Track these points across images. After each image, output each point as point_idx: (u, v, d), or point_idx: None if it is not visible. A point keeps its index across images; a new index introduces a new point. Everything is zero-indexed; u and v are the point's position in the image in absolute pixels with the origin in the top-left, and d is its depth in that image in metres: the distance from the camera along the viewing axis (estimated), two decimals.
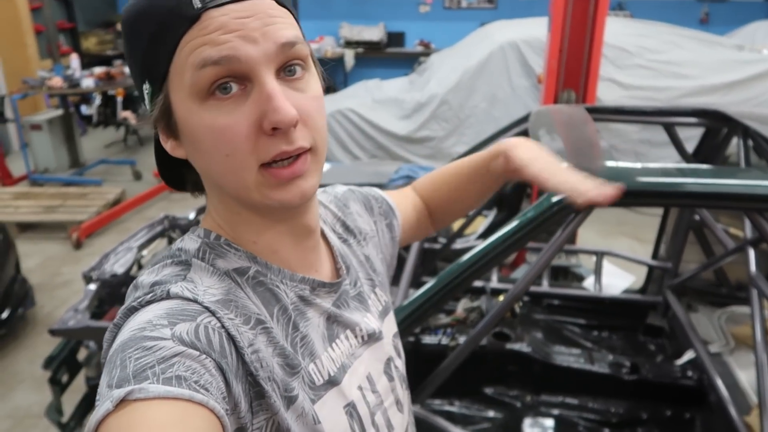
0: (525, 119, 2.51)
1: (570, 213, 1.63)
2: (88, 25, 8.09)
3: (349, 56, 7.69)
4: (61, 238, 4.37)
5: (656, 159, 4.54)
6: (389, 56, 7.87)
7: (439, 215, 1.01)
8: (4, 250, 3.17)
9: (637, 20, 5.42)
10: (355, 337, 0.70)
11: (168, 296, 0.55)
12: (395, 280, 2.10)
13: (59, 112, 5.85)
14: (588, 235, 4.17)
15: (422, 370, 1.74)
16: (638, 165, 1.71)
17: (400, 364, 0.79)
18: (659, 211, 2.79)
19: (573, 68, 3.23)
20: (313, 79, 0.58)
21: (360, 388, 0.68)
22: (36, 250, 4.22)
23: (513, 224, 1.65)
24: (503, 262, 3.35)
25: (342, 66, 7.72)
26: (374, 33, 7.80)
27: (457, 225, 3.18)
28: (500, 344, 2.19)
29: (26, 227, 4.52)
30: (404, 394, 0.78)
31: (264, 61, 0.53)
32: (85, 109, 6.22)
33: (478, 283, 2.43)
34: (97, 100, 6.04)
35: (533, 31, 4.60)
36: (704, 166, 1.74)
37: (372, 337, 0.73)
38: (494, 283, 2.61)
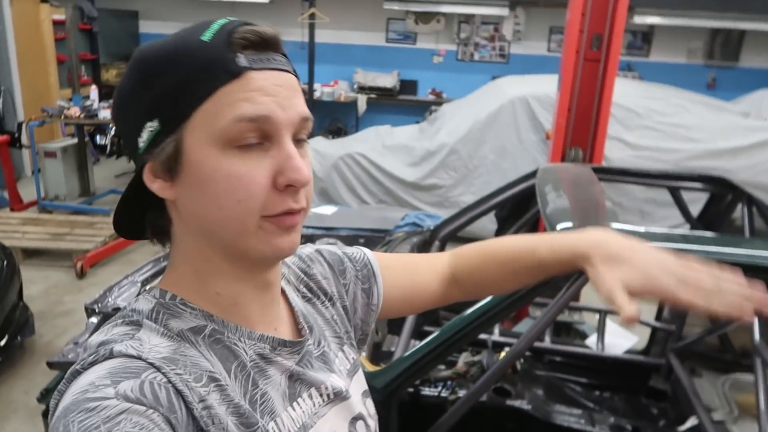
0: (533, 174, 2.55)
1: (575, 271, 1.64)
2: (110, 58, 8.30)
3: (362, 101, 7.84)
4: (66, 267, 4.39)
5: (662, 219, 4.56)
6: (401, 103, 8.02)
7: (473, 290, 0.92)
8: (9, 276, 3.18)
9: (645, 83, 5.55)
10: (320, 395, 0.69)
11: (111, 355, 0.54)
12: (397, 329, 2.09)
13: (74, 140, 5.96)
14: (593, 293, 4.14)
15: (421, 422, 1.72)
16: (642, 229, 1.72)
17: (372, 423, 0.77)
18: None
19: (581, 127, 3.29)
20: (308, 151, 0.63)
21: None
22: (40, 277, 4.23)
23: None
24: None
25: (354, 110, 7.87)
26: (388, 80, 7.97)
27: None
28: (500, 400, 2.17)
29: (32, 253, 4.55)
30: None
31: (288, 126, 0.58)
32: (99, 139, 6.34)
33: (480, 336, 2.42)
34: (112, 130, 6.15)
35: (543, 88, 4.71)
36: (708, 234, 1.75)
37: (338, 396, 0.71)
38: (496, 336, 2.59)
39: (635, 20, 6.58)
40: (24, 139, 5.45)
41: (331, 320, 0.79)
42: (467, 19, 7.79)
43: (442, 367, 2.26)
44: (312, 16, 7.21)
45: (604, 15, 3.15)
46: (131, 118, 0.58)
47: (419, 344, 1.70)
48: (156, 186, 0.59)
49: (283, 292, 0.73)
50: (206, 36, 0.56)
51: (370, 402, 0.79)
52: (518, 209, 3.29)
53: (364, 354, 1.82)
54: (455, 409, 1.71)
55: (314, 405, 0.67)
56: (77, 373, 0.54)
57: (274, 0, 7.83)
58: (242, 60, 0.56)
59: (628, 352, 2.80)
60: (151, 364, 0.53)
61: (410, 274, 0.89)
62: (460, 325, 1.66)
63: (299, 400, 0.66)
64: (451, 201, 5.02)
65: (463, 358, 2.07)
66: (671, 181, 2.34)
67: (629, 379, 2.59)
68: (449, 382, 2.05)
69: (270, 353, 0.64)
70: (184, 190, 0.58)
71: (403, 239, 2.79)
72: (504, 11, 7.24)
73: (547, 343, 2.71)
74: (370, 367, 1.75)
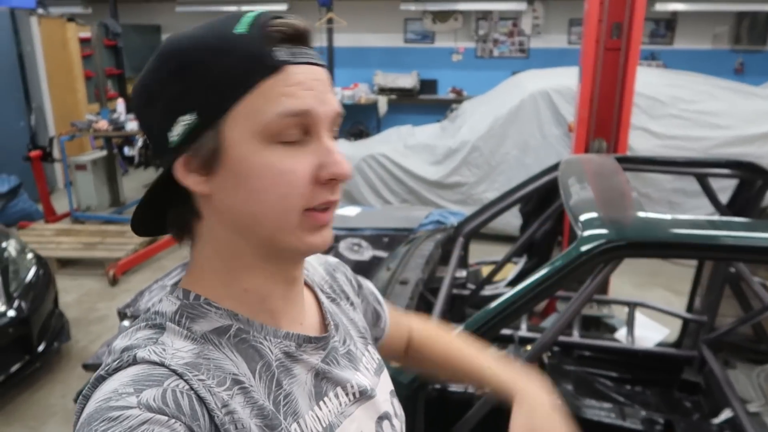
0: (555, 167, 2.52)
1: (600, 262, 1.62)
2: (135, 72, 8.47)
3: (383, 103, 7.85)
4: (99, 275, 4.50)
5: (691, 209, 4.47)
6: (422, 103, 8.02)
7: (414, 366, 1.03)
8: (45, 284, 3.27)
9: (670, 70, 5.44)
10: (346, 394, 0.68)
11: (134, 362, 0.54)
12: None
13: (103, 153, 6.10)
14: (622, 286, 4.09)
15: (448, 419, 1.72)
16: (670, 217, 1.70)
17: (397, 423, 0.76)
18: (695, 262, 2.74)
19: (604, 117, 3.25)
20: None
21: None
22: (74, 285, 4.34)
23: (541, 272, 1.64)
24: (533, 310, 3.30)
25: (375, 112, 7.89)
26: (407, 80, 7.97)
27: (486, 271, 3.17)
28: None
29: (66, 263, 4.67)
30: None
31: (326, 121, 0.59)
32: (127, 150, 6.47)
33: (506, 332, 2.40)
34: (140, 142, 6.28)
35: (564, 80, 4.65)
36: (738, 219, 1.71)
37: (364, 395, 0.70)
38: (523, 332, 2.57)
39: (657, 7, 6.46)
40: (55, 153, 5.60)
41: (355, 321, 0.80)
42: (485, 15, 7.74)
43: None
44: (330, 20, 7.26)
45: (623, 2, 3.11)
46: (160, 112, 0.56)
47: None
48: (190, 181, 0.57)
49: (309, 287, 0.74)
50: (240, 29, 0.55)
51: (396, 402, 0.79)
52: (542, 204, 3.26)
53: None
54: (480, 405, 1.70)
55: (340, 404, 0.67)
56: (102, 379, 0.54)
57: (292, 6, 7.90)
58: (281, 54, 0.55)
59: (660, 344, 2.75)
60: (174, 371, 0.53)
61: (395, 324, 0.93)
62: (485, 318, 1.66)
63: (325, 399, 0.65)
64: (475, 198, 5.00)
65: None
66: (698, 169, 2.30)
67: (661, 373, 2.55)
68: None
69: (295, 351, 0.63)
70: (223, 185, 0.57)
71: (427, 236, 2.78)
72: (522, 5, 7.19)
73: (575, 337, 2.68)
74: (395, 364, 1.75)
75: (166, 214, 0.63)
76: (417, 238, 2.79)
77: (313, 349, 0.65)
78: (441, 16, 7.88)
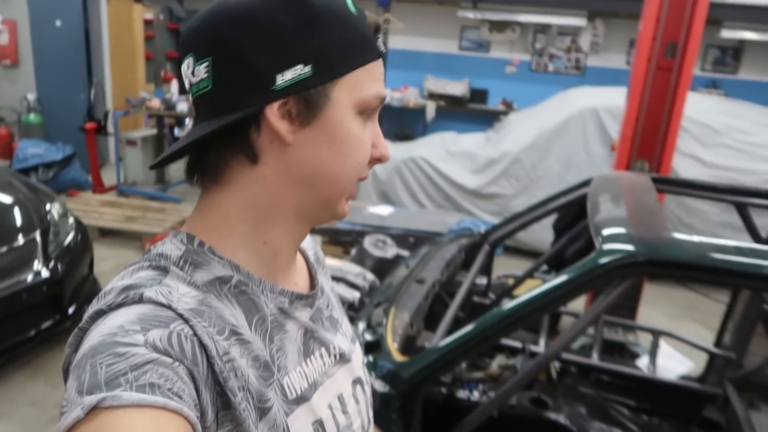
0: (586, 184, 2.47)
1: (616, 277, 1.57)
2: None
3: (431, 108, 7.84)
4: (136, 247, 4.64)
5: None
6: (470, 111, 7.96)
7: None
8: (82, 250, 3.39)
9: (729, 99, 5.23)
10: (330, 355, 0.71)
11: (141, 300, 0.55)
12: (434, 325, 2.07)
13: (154, 131, 6.30)
14: (655, 315, 3.96)
15: (454, 424, 1.70)
16: (694, 238, 1.63)
17: (367, 390, 0.79)
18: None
19: (648, 138, 3.16)
20: None
21: (330, 407, 0.68)
22: (111, 255, 4.49)
23: (553, 282, 1.61)
24: (554, 328, 3.22)
25: (423, 116, 7.88)
26: (458, 88, 7.93)
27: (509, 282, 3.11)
28: (536, 410, 2.10)
29: (107, 233, 4.84)
30: (369, 423, 0.79)
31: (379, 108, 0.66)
32: (177, 131, 6.66)
33: (517, 344, 2.36)
34: (189, 124, 6.46)
35: (615, 100, 4.54)
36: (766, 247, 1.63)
37: (343, 358, 0.73)
38: (540, 348, 2.52)
39: (723, 34, 6.22)
40: (109, 128, 5.82)
41: (334, 290, 0.83)
42: (543, 29, 7.64)
43: (476, 370, 2.22)
44: (386, 21, 7.29)
45: (680, 22, 3.02)
46: (275, 52, 0.57)
47: (449, 338, 1.68)
48: (284, 126, 0.58)
49: (301, 251, 0.77)
50: (352, 9, 0.61)
51: (366, 371, 0.81)
52: (576, 220, 3.19)
53: (395, 345, 1.82)
54: (481, 410, 1.68)
55: (324, 364, 0.69)
56: (102, 313, 0.55)
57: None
58: (380, 44, 0.63)
59: (683, 377, 2.64)
60: (180, 314, 0.54)
61: None
62: (492, 320, 1.63)
63: (311, 357, 0.67)
64: (511, 211, 4.92)
65: (498, 362, 2.02)
66: (739, 197, 2.20)
67: (681, 407, 2.45)
68: (482, 385, 2.01)
69: (288, 307, 0.66)
70: (310, 140, 0.60)
71: (451, 240, 2.76)
72: (582, 22, 7.06)
73: (594, 360, 2.60)
74: (399, 358, 1.74)
75: (202, 153, 0.62)
76: (441, 240, 2.77)
77: (302, 306, 0.68)
78: (498, 26, 7.82)
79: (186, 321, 0.54)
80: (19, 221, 3.08)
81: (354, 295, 2.35)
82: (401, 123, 8.08)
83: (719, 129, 4.33)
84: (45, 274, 3.00)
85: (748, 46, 6.94)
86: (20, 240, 2.96)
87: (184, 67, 0.61)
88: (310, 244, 0.83)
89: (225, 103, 0.58)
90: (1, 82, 6.40)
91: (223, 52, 0.57)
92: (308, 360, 0.67)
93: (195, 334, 0.54)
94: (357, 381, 0.76)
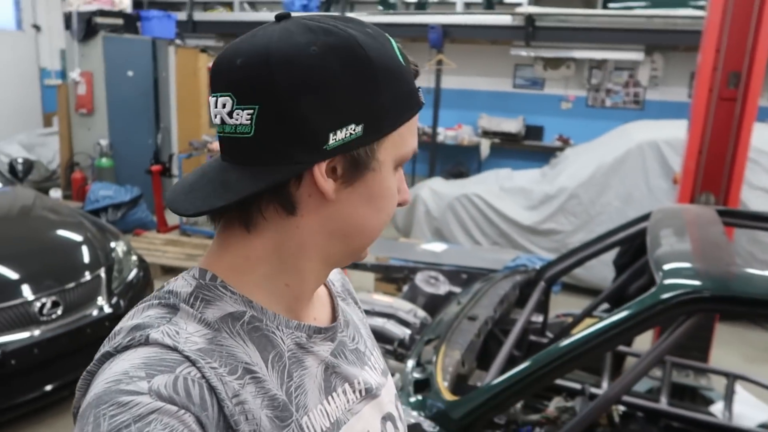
0: (645, 217, 2.38)
1: (680, 314, 1.48)
2: None
3: (485, 146, 7.82)
4: None
5: None
6: (526, 148, 7.89)
7: None
8: (143, 286, 3.52)
9: None
10: (353, 391, 0.67)
11: (147, 342, 0.54)
12: (487, 363, 2.01)
13: None
14: (728, 358, 3.70)
15: None
16: (765, 273, 1.53)
17: (401, 426, 0.75)
18: None
19: (713, 170, 3.02)
20: None
21: None
22: None
23: (612, 318, 1.53)
24: (618, 369, 3.06)
25: (477, 154, 7.86)
26: (513, 125, 7.90)
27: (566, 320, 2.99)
28: None
29: (168, 270, 5.00)
30: None
31: None
32: None
33: (578, 386, 2.24)
34: (211, 159, 6.66)
35: (676, 132, 4.39)
36: None
37: (369, 393, 0.69)
38: (602, 391, 2.39)
39: None
40: (174, 170, 6.08)
41: (364, 321, 0.80)
42: (599, 64, 7.54)
43: (533, 413, 2.12)
44: (439, 62, 7.40)
45: (742, 50, 2.91)
46: (332, 112, 0.55)
47: (502, 377, 1.62)
48: (329, 185, 0.57)
49: (325, 284, 0.74)
50: (399, 56, 0.59)
51: (401, 406, 0.78)
52: (637, 256, 3.06)
53: (445, 384, 1.77)
54: None
55: (348, 401, 0.66)
56: (109, 356, 0.54)
57: (403, 45, 8.13)
58: (422, 95, 0.62)
59: (762, 425, 2.44)
60: (187, 357, 0.53)
61: None
62: (548, 358, 1.57)
63: (334, 394, 0.64)
64: (569, 247, 4.76)
65: (555, 403, 1.93)
66: None
67: None
68: (539, 428, 1.92)
69: (306, 342, 0.63)
70: (353, 197, 0.59)
71: (505, 276, 2.70)
72: (640, 56, 6.93)
73: (662, 404, 2.45)
74: (449, 397, 1.69)
75: (244, 201, 0.57)
76: (494, 277, 2.71)
77: (322, 340, 0.65)
78: (553, 63, 7.78)
79: (193, 363, 0.52)
80: (86, 258, 3.24)
81: (405, 332, 2.32)
82: (455, 161, 8.07)
83: None
84: (108, 309, 3.11)
85: None
86: (87, 276, 3.10)
87: (217, 103, 0.57)
88: (337, 275, 0.81)
89: (267, 153, 0.55)
90: (79, 129, 6.83)
91: (275, 103, 0.54)
92: (330, 397, 0.64)
93: (203, 376, 0.52)
94: (387, 417, 0.72)
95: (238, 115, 0.55)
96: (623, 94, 7.57)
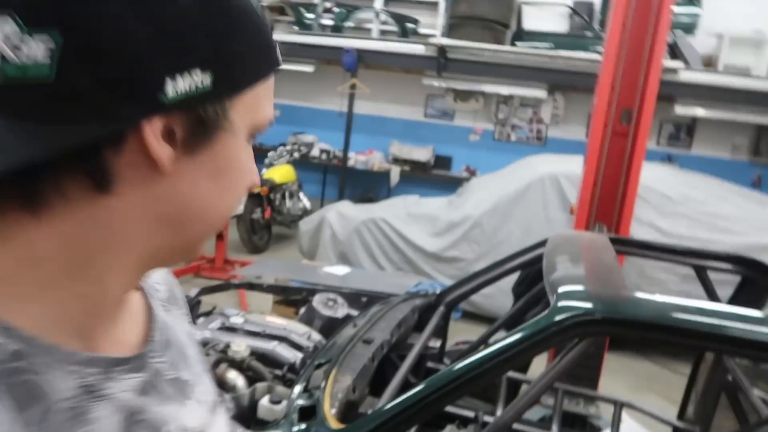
0: (543, 243, 2.39)
1: (572, 336, 1.45)
2: None
3: (395, 173, 7.86)
4: None
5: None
6: (434, 177, 8.01)
7: None
8: None
9: (685, 171, 5.36)
10: None
11: None
12: (380, 389, 1.90)
13: None
14: (615, 386, 3.81)
15: None
16: (657, 297, 1.53)
17: None
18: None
19: (607, 202, 3.14)
20: None
21: None
22: None
23: (505, 341, 1.48)
24: (513, 396, 3.05)
25: (387, 181, 7.87)
26: (423, 154, 8.01)
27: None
28: None
29: None
30: None
31: None
32: None
33: (471, 414, 2.19)
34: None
35: (575, 167, 4.58)
36: (729, 308, 1.54)
37: None
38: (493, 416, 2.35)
39: (677, 111, 6.47)
40: None
41: (193, 335, 0.62)
42: (506, 100, 7.85)
43: None
44: (353, 86, 7.40)
45: (634, 88, 3.06)
46: (171, 46, 0.39)
47: (391, 403, 1.51)
48: (166, 151, 0.41)
49: (142, 290, 0.56)
50: (256, 3, 0.45)
51: None
52: (534, 283, 3.10)
53: (333, 411, 1.64)
54: None
55: None
56: None
57: (318, 68, 8.10)
58: (279, 52, 0.48)
59: None
60: None
61: None
62: (439, 383, 1.48)
63: None
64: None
65: (449, 431, 1.85)
66: (697, 260, 2.14)
67: None
68: None
69: (99, 382, 0.44)
70: (193, 169, 0.43)
71: (404, 300, 2.62)
72: (543, 94, 7.28)
73: None
74: (335, 425, 1.56)
75: (31, 171, 0.38)
76: (393, 300, 2.63)
77: (125, 373, 0.47)
78: (463, 96, 8.01)
79: None
80: None
81: (296, 356, 2.17)
82: (365, 186, 8.05)
83: (676, 198, 4.39)
84: None
85: (700, 124, 7.22)
86: None
87: None
88: (162, 276, 0.62)
89: (72, 106, 0.37)
90: None
91: (88, 27, 0.36)
92: None
93: None
94: None
95: (27, 45, 0.35)
96: (527, 130, 7.91)
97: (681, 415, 2.42)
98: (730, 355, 1.86)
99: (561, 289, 1.56)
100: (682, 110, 6.51)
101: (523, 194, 4.75)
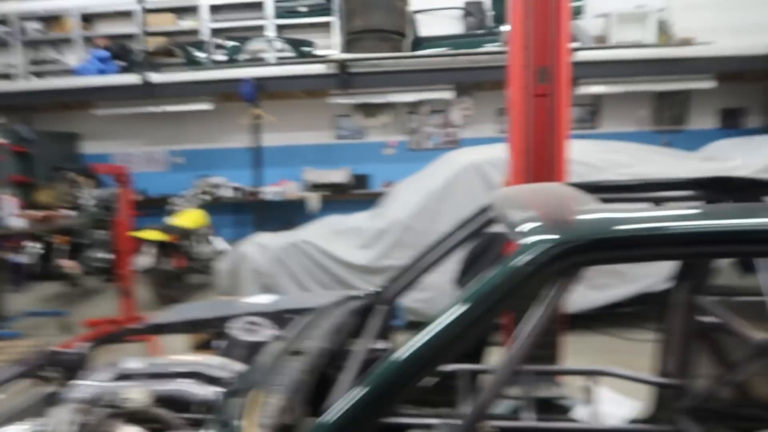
0: (484, 211, 2.11)
1: (552, 274, 1.13)
2: (46, 180, 7.85)
3: (314, 198, 7.48)
4: None
5: (645, 278, 4.13)
6: (355, 197, 7.69)
7: None
8: None
9: (605, 141, 5.33)
10: None
11: None
12: (318, 406, 1.50)
13: None
14: (579, 366, 3.58)
15: None
16: (637, 213, 1.24)
17: None
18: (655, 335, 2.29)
19: (540, 165, 2.91)
20: None
21: None
22: None
23: (471, 294, 1.13)
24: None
25: (305, 208, 7.46)
26: (339, 176, 7.71)
27: None
28: None
29: None
30: None
31: None
32: (19, 259, 5.74)
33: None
34: (36, 248, 5.61)
35: (496, 152, 4.41)
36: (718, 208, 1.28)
37: None
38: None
39: (581, 91, 6.54)
40: None
41: None
42: (416, 108, 7.72)
43: None
44: (257, 117, 7.01)
45: (546, 45, 2.88)
46: None
47: (331, 413, 1.12)
48: None
49: None
50: None
51: None
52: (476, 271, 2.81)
53: None
54: None
55: None
56: None
57: (218, 105, 7.67)
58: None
59: (631, 421, 2.19)
60: None
61: None
62: (387, 375, 1.11)
63: None
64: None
65: None
66: (655, 192, 1.90)
67: None
68: None
69: None
70: None
71: (338, 304, 2.23)
72: (451, 95, 7.18)
73: (529, 420, 2.11)
74: None
75: None
76: (325, 306, 2.23)
77: None
78: (371, 111, 7.81)
79: None
80: None
81: (212, 392, 1.72)
82: (282, 218, 7.60)
83: (601, 165, 4.28)
84: None
85: (604, 102, 7.37)
86: None
87: None
88: None
89: None
90: None
91: None
92: None
93: None
94: None
95: None
96: (442, 135, 7.79)
97: (660, 373, 2.15)
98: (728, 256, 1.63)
99: (525, 228, 1.24)
100: (585, 90, 6.58)
101: (448, 188, 4.50)
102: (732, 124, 7.32)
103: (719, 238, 1.10)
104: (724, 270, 3.27)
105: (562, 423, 2.21)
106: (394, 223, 4.57)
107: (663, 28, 6.56)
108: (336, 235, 4.78)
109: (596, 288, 4.23)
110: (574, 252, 1.11)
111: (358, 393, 1.11)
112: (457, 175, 4.49)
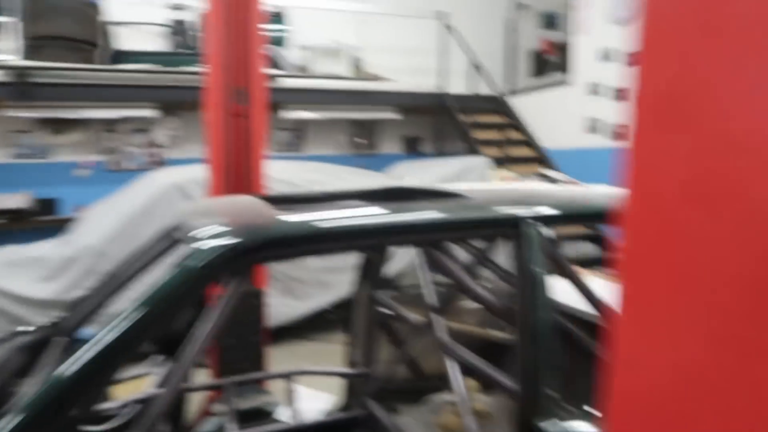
0: (169, 231, 2.07)
1: (219, 274, 1.18)
2: None
3: None
4: None
5: (344, 285, 4.52)
6: (40, 224, 6.69)
7: None
8: None
9: (306, 162, 5.76)
10: None
11: None
12: None
13: None
14: (279, 358, 3.76)
15: None
16: (306, 216, 1.39)
17: None
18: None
19: (239, 185, 3.00)
20: None
21: None
22: None
23: (144, 301, 1.12)
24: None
25: None
26: (17, 201, 6.63)
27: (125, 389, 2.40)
28: None
29: None
30: None
31: None
32: None
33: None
34: None
35: (200, 172, 4.36)
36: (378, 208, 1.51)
37: None
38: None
39: (287, 115, 6.93)
40: None
41: None
42: (115, 127, 7.13)
43: None
44: None
45: (241, 68, 3.00)
46: None
47: None
48: None
49: None
50: None
51: None
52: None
53: None
54: None
55: None
56: None
57: None
58: None
59: (328, 413, 2.39)
60: None
61: None
62: (58, 389, 1.02)
63: None
64: (111, 315, 4.10)
65: None
66: (341, 202, 2.12)
67: None
68: None
69: None
70: None
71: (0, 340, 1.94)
72: (154, 113, 6.83)
73: None
74: None
75: None
76: None
77: None
78: (60, 127, 6.94)
79: None
80: None
81: None
82: None
83: (300, 183, 4.60)
84: None
85: (310, 126, 7.93)
86: None
87: None
88: None
89: None
90: None
91: None
92: None
93: None
94: None
95: None
96: (145, 155, 7.35)
97: (351, 365, 2.40)
98: (392, 244, 1.90)
99: (195, 234, 1.27)
100: (290, 114, 6.97)
101: (149, 210, 4.28)
102: (412, 149, 8.65)
103: (365, 233, 1.29)
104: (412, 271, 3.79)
105: (263, 427, 2.29)
106: (86, 249, 4.14)
107: (356, 64, 7.40)
108: (11, 268, 4.10)
109: (300, 299, 4.48)
110: (245, 252, 1.18)
111: (6, 423, 0.99)
112: (159, 196, 4.31)
